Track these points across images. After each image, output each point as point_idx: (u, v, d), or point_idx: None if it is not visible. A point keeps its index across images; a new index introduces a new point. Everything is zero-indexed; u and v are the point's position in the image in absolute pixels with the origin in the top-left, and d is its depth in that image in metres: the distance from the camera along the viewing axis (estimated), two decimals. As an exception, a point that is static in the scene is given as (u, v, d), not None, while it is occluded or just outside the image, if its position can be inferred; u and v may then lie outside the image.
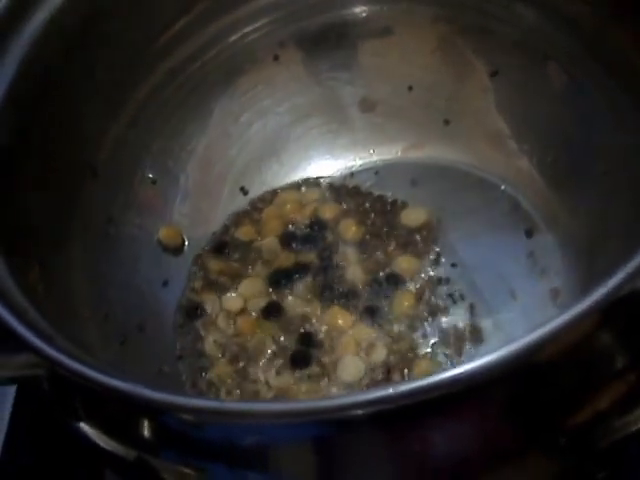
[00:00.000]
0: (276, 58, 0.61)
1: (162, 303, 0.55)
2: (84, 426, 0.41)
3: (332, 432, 0.34)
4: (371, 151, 0.61)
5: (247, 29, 0.59)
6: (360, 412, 0.31)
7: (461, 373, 0.30)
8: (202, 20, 0.57)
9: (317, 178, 0.61)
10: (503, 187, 0.57)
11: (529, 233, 0.54)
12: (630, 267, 0.31)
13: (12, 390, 0.54)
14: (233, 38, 0.59)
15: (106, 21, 0.52)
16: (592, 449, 0.36)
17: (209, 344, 0.54)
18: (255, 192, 0.61)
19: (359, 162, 0.61)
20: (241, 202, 0.61)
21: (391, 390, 0.29)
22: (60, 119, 0.51)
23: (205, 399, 0.46)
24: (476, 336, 0.52)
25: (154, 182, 0.58)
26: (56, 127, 0.51)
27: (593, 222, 0.51)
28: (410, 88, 0.60)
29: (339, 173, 0.61)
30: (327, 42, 0.60)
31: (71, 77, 0.51)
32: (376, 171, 0.61)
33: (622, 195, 0.48)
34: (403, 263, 0.55)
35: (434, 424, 0.34)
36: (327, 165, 0.62)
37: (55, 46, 0.50)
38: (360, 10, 0.59)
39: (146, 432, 0.39)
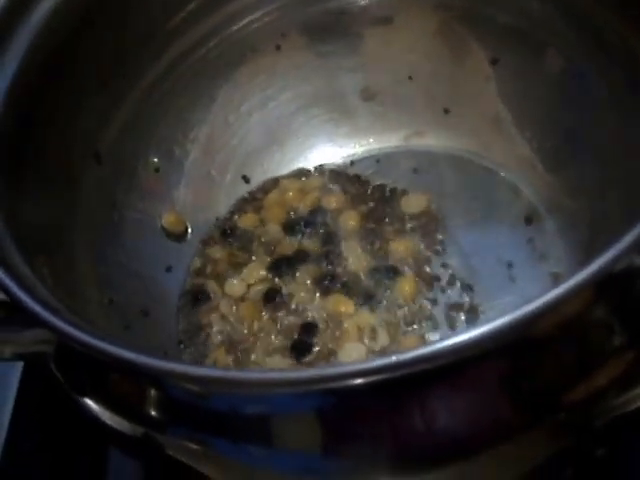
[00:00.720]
0: (278, 47, 0.62)
1: (165, 289, 0.56)
2: (91, 403, 0.42)
3: (334, 402, 0.35)
4: (372, 139, 0.62)
5: (249, 18, 0.60)
6: (362, 381, 0.32)
7: (461, 341, 0.31)
8: (204, 9, 0.58)
9: (319, 166, 0.62)
10: (503, 174, 0.58)
11: (529, 219, 0.55)
12: (625, 242, 0.31)
13: (18, 371, 0.55)
14: (235, 27, 0.60)
15: (108, 11, 0.53)
16: (590, 427, 0.37)
17: (211, 330, 0.55)
18: (257, 180, 0.62)
19: (360, 150, 0.62)
20: (243, 190, 0.62)
21: (394, 358, 0.30)
22: (65, 108, 0.52)
23: (209, 368, 0.47)
24: (476, 321, 0.52)
25: (157, 169, 0.59)
26: (61, 116, 0.51)
27: (593, 207, 0.51)
28: (411, 77, 0.61)
29: (341, 161, 0.62)
30: (329, 31, 0.61)
31: (75, 66, 0.52)
32: (377, 159, 0.62)
33: (621, 180, 0.49)
34: (403, 249, 0.56)
35: (434, 396, 0.35)
36: (328, 153, 0.62)
37: (58, 35, 0.51)
38: (361, -1, 0.60)
39: (152, 407, 0.39)
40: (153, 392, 0.39)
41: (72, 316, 0.38)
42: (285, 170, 0.62)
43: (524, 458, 0.38)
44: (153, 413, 0.40)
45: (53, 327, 0.36)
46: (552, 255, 0.53)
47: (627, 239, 0.32)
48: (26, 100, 0.49)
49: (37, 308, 0.37)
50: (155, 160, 0.58)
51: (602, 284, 0.33)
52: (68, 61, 0.52)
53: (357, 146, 0.63)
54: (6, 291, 0.37)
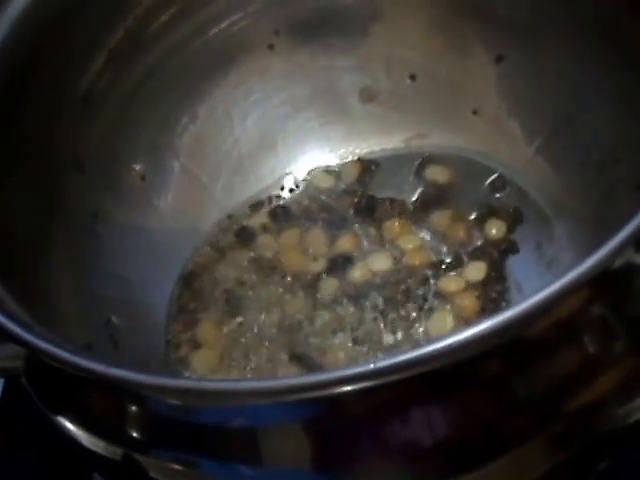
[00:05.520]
0: (271, 47, 0.62)
1: (152, 300, 0.57)
2: (66, 423, 0.42)
3: (322, 413, 0.36)
4: (372, 142, 0.63)
5: (238, 15, 0.60)
6: (345, 389, 0.32)
7: (448, 344, 0.31)
8: (189, 6, 0.58)
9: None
10: (509, 176, 0.58)
11: (536, 223, 0.56)
12: (619, 238, 0.32)
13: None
14: (223, 25, 0.60)
15: (87, 11, 0.54)
16: (591, 439, 0.38)
17: (199, 342, 0.55)
18: (250, 188, 0.62)
19: (360, 153, 0.63)
20: (235, 198, 0.62)
21: (372, 366, 0.30)
22: (44, 113, 0.52)
23: (186, 379, 0.47)
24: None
25: (143, 177, 0.59)
26: (40, 121, 0.52)
27: (601, 210, 0.52)
28: (412, 76, 0.62)
29: (337, 165, 0.63)
30: (324, 30, 0.61)
31: (53, 70, 0.53)
32: (377, 163, 0.62)
33: (628, 180, 0.50)
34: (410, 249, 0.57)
35: (421, 406, 0.35)
36: (325, 158, 0.63)
37: (32, 40, 0.51)
38: (357, -7, 0.60)
39: (132, 425, 0.40)
40: (132, 409, 0.40)
41: (45, 330, 0.38)
42: (280, 175, 0.62)
43: (522, 473, 0.38)
44: (133, 432, 0.40)
45: (25, 342, 0.37)
46: (560, 260, 0.53)
47: (620, 236, 0.32)
48: (3, 103, 0.50)
49: (6, 322, 0.37)
50: (140, 167, 0.59)
51: (598, 283, 0.34)
52: (46, 65, 0.52)
53: (356, 149, 0.63)
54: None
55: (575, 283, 0.31)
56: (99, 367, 0.35)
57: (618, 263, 0.34)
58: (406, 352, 0.31)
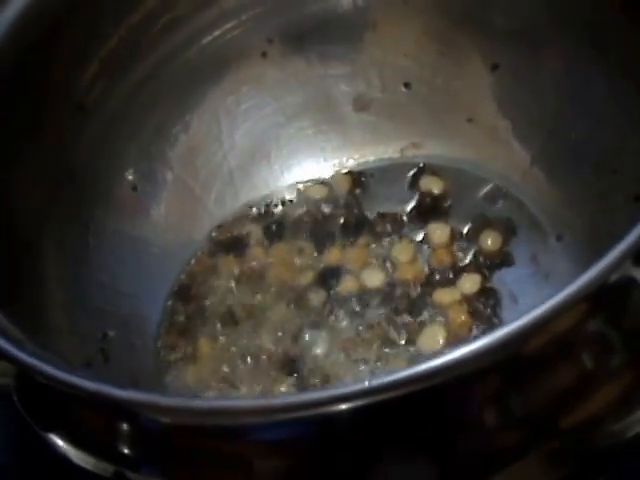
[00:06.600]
0: (264, 55, 0.62)
1: (144, 311, 0.57)
2: (57, 440, 0.42)
3: (314, 433, 0.36)
4: (366, 152, 0.63)
5: (231, 24, 0.60)
6: (340, 407, 0.32)
7: (446, 361, 0.31)
8: (182, 15, 0.58)
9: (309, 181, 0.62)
10: (505, 187, 0.58)
11: (532, 234, 0.55)
12: (617, 251, 0.32)
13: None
14: (216, 33, 0.60)
15: (79, 18, 0.54)
16: (591, 453, 0.38)
17: (191, 355, 0.55)
18: (243, 198, 0.62)
19: (354, 163, 0.63)
20: (228, 209, 0.62)
21: (366, 383, 0.30)
22: (35, 122, 0.52)
23: (175, 397, 0.46)
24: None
25: (134, 188, 0.59)
26: (31, 131, 0.52)
27: (598, 221, 0.52)
28: (407, 85, 0.61)
29: (331, 175, 0.62)
30: (317, 37, 0.62)
31: (46, 76, 0.53)
32: (371, 173, 0.62)
33: (625, 192, 0.50)
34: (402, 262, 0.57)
35: (420, 420, 0.35)
36: (319, 167, 0.63)
37: (25, 44, 0.51)
38: (348, 1, 0.60)
39: (123, 442, 0.40)
40: (124, 426, 0.40)
41: (33, 346, 0.38)
42: (274, 185, 0.62)
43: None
44: (124, 449, 0.40)
45: (11, 357, 0.36)
46: (556, 272, 0.53)
47: (618, 249, 0.32)
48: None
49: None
50: (131, 178, 0.59)
51: (596, 297, 0.34)
52: (38, 71, 0.52)
53: (350, 159, 0.63)
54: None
55: (573, 298, 0.31)
56: (91, 385, 0.35)
57: (615, 276, 0.33)
58: (402, 369, 0.31)
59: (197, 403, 0.35)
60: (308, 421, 0.35)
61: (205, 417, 0.35)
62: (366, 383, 0.30)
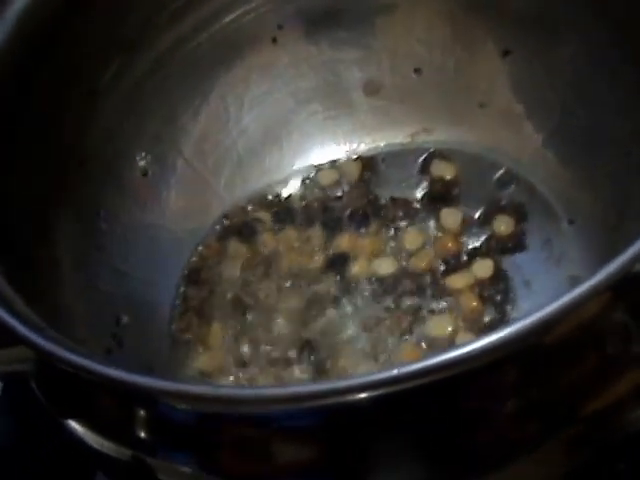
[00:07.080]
0: (274, 40, 0.62)
1: (156, 297, 0.57)
2: (75, 425, 0.42)
3: (333, 420, 0.36)
4: (377, 137, 0.62)
5: (241, 10, 0.60)
6: (361, 396, 0.32)
7: (468, 351, 0.31)
8: (194, 0, 0.58)
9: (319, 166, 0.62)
10: (517, 171, 0.58)
11: (544, 218, 0.56)
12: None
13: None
14: (226, 20, 0.60)
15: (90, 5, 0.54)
16: (609, 441, 0.38)
17: (204, 341, 0.56)
18: (254, 184, 0.62)
19: (364, 148, 0.63)
20: (239, 194, 0.62)
21: (395, 371, 0.30)
22: (46, 108, 0.52)
23: (196, 384, 0.47)
24: (490, 328, 0.53)
25: (145, 173, 0.59)
26: (42, 117, 0.52)
27: (611, 204, 0.52)
28: (417, 70, 0.61)
29: (344, 158, 0.62)
30: (328, 22, 0.61)
31: (57, 63, 0.53)
32: (382, 158, 0.62)
33: (639, 174, 0.50)
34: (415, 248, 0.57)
35: (439, 411, 0.35)
36: (330, 152, 0.63)
37: (38, 32, 0.51)
38: (362, -15, 0.60)
39: (141, 427, 0.40)
40: (142, 412, 0.40)
41: (53, 332, 0.38)
42: (285, 171, 0.62)
43: (540, 476, 0.38)
44: (142, 434, 0.40)
45: (36, 345, 0.36)
46: (569, 257, 0.53)
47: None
48: (7, 97, 0.50)
49: (17, 325, 0.37)
50: (142, 163, 0.59)
51: (620, 287, 0.34)
52: (49, 58, 0.52)
53: (361, 144, 0.63)
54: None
55: (598, 288, 0.31)
56: (112, 372, 0.35)
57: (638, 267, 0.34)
58: (427, 359, 0.31)
59: (225, 391, 0.35)
60: (333, 409, 0.35)
61: (234, 405, 0.35)
62: (395, 371, 0.30)
